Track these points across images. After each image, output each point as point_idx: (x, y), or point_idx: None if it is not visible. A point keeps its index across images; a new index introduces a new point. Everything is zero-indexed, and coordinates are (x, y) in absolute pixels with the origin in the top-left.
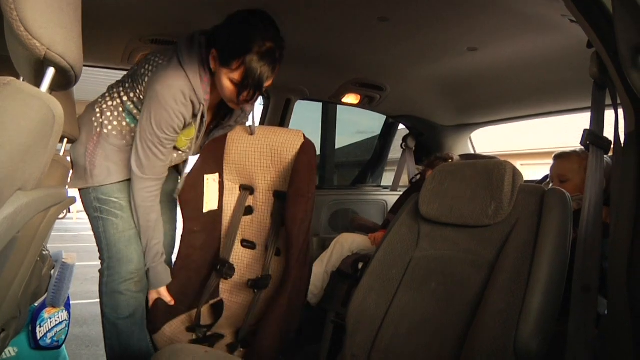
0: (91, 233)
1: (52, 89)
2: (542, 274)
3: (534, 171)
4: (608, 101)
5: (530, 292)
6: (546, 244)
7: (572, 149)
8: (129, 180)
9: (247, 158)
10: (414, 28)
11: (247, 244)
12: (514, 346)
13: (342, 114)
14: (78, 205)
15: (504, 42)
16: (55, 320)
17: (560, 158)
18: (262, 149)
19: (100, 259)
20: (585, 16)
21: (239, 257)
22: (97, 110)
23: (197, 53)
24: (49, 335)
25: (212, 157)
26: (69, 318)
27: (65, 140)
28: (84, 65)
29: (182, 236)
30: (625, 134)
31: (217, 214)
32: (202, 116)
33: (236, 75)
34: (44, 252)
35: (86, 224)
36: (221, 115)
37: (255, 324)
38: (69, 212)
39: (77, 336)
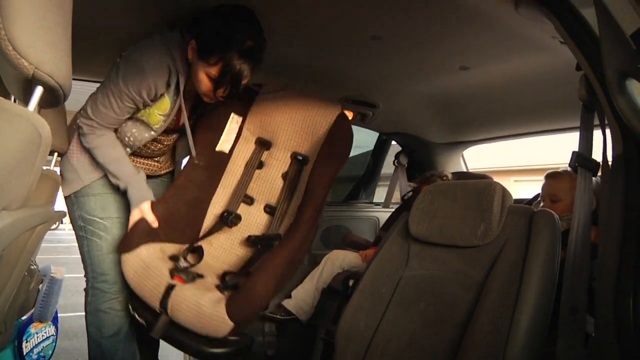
0: None
1: (41, 106)
2: (530, 295)
3: (528, 188)
4: (597, 122)
5: (518, 313)
6: (534, 266)
7: (564, 167)
8: (110, 194)
9: (277, 111)
10: (407, 46)
11: (246, 198)
12: None
13: None
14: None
15: (495, 62)
16: (42, 335)
17: (552, 178)
18: (295, 108)
19: (85, 277)
20: (573, 39)
21: (239, 209)
22: (78, 118)
23: (178, 35)
24: (36, 350)
25: (241, 101)
26: (57, 333)
27: (56, 154)
28: (78, 79)
29: (183, 167)
30: (613, 157)
31: (225, 158)
32: (177, 88)
33: (213, 71)
34: (32, 267)
35: None
36: (200, 112)
37: (240, 272)
38: (62, 223)
39: (66, 349)
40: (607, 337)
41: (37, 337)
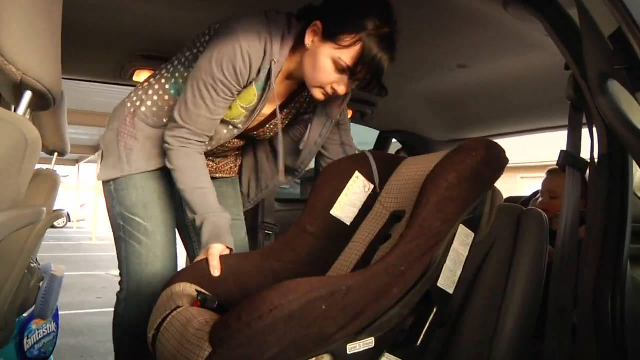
0: (91, 242)
1: (33, 109)
2: (517, 294)
3: (534, 185)
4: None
5: (504, 312)
6: (521, 265)
7: None
8: (154, 190)
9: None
10: (404, 44)
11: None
12: None
13: None
14: (78, 214)
15: (493, 60)
16: (43, 332)
17: (553, 174)
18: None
19: (120, 283)
20: (560, 39)
21: None
22: (132, 96)
23: (283, 18)
24: (37, 346)
25: (377, 168)
26: (57, 330)
27: (56, 153)
28: (81, 80)
29: (287, 232)
30: (599, 156)
31: (344, 229)
32: (268, 78)
33: (346, 55)
34: (32, 265)
35: (87, 233)
36: (293, 113)
37: None
38: (69, 220)
39: (72, 347)
40: (587, 335)
41: (38, 334)
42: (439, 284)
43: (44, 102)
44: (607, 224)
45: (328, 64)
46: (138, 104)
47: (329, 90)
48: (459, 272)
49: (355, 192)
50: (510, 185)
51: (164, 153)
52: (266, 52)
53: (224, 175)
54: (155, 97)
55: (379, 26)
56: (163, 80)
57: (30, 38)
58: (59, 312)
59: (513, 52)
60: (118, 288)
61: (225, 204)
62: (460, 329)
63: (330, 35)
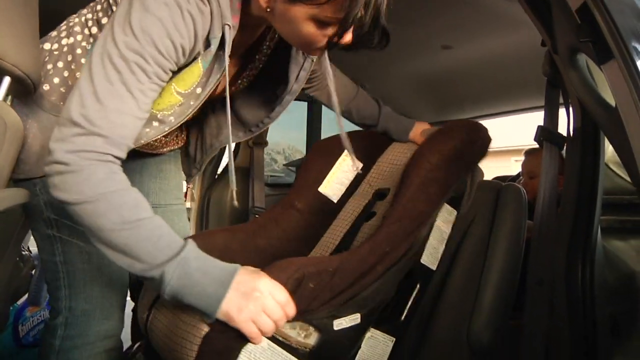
0: None
1: (15, 96)
2: (495, 268)
3: None
4: None
5: (482, 285)
6: (499, 240)
7: None
8: None
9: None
10: (388, 26)
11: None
12: (467, 338)
13: (328, 113)
14: None
15: (477, 40)
16: (38, 319)
17: (530, 154)
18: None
19: (50, 308)
20: (535, 15)
21: None
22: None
23: None
24: (32, 333)
25: (366, 148)
26: None
27: None
28: None
29: (274, 206)
30: (573, 129)
31: (331, 208)
32: (221, 49)
33: (328, 9)
34: (23, 253)
35: None
36: (247, 75)
37: None
38: None
39: None
40: (561, 308)
41: (33, 321)
42: (422, 261)
43: (24, 88)
44: (580, 195)
45: (310, 27)
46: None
47: (322, 47)
48: (441, 249)
49: (343, 170)
50: (504, 168)
51: None
52: (213, 14)
53: (173, 148)
54: (66, 73)
55: None
56: (78, 48)
57: (6, 25)
58: None
59: (497, 31)
60: None
61: (167, 185)
62: (441, 303)
63: None
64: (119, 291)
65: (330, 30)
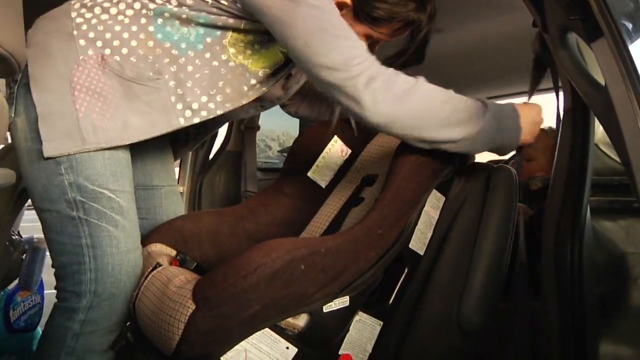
0: None
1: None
2: (485, 251)
3: None
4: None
5: (473, 268)
6: (490, 221)
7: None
8: (123, 155)
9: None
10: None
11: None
12: (457, 319)
13: None
14: None
15: (470, 23)
16: (29, 304)
17: None
18: None
19: (67, 290)
20: None
21: None
22: (80, 20)
23: None
24: (23, 318)
25: (355, 135)
26: (43, 301)
27: None
28: None
29: (263, 191)
30: (564, 110)
31: (319, 192)
32: None
33: (384, 30)
34: (13, 237)
35: None
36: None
37: None
38: None
39: None
40: (549, 285)
41: (24, 306)
42: (410, 246)
43: (7, 68)
44: (569, 176)
45: (358, 31)
46: (105, 45)
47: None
48: (429, 234)
49: (332, 156)
50: None
51: (150, 120)
52: None
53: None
54: (134, 43)
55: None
56: (143, 20)
57: None
58: (45, 290)
59: (490, 14)
60: None
61: (167, 167)
62: (431, 286)
63: (365, 17)
64: (139, 275)
65: (372, 47)
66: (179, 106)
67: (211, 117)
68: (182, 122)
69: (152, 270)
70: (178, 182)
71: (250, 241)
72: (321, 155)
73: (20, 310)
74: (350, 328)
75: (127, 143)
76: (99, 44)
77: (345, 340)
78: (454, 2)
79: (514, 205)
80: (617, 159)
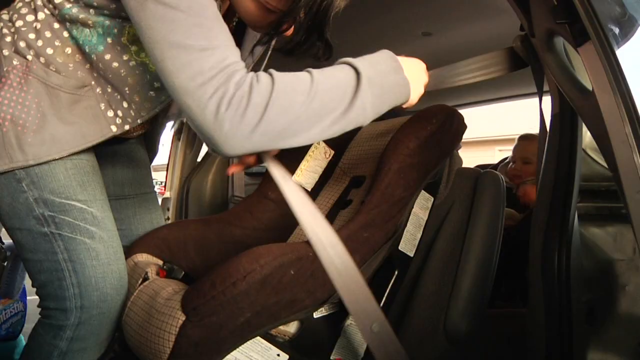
0: None
1: None
2: (472, 257)
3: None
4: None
5: (460, 275)
6: (477, 227)
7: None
8: (87, 160)
9: (380, 142)
10: (367, 13)
11: None
12: (444, 326)
13: None
14: None
15: (457, 27)
16: (11, 312)
17: (525, 140)
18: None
19: (51, 308)
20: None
21: None
22: (5, 31)
23: None
24: (4, 326)
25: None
26: (25, 309)
27: None
28: None
29: (248, 197)
30: (551, 115)
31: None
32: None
33: None
34: None
35: None
36: None
37: None
38: None
39: None
40: (536, 290)
41: (6, 314)
42: (400, 248)
43: None
44: (557, 181)
45: (251, 5)
46: (30, 51)
47: (267, 29)
48: (419, 235)
49: (316, 159)
50: (489, 158)
51: (81, 130)
52: None
53: (141, 132)
54: (50, 51)
55: None
56: (53, 22)
57: None
58: (27, 296)
59: (477, 18)
60: None
61: (139, 173)
62: (418, 290)
63: None
64: (125, 287)
65: (272, 16)
66: (110, 113)
67: (136, 124)
68: (114, 130)
69: (140, 284)
70: (164, 188)
71: (238, 247)
72: (305, 158)
73: (1, 318)
74: (341, 333)
75: (58, 157)
76: (24, 52)
77: (336, 346)
78: (442, 6)
79: (501, 211)
80: (605, 164)
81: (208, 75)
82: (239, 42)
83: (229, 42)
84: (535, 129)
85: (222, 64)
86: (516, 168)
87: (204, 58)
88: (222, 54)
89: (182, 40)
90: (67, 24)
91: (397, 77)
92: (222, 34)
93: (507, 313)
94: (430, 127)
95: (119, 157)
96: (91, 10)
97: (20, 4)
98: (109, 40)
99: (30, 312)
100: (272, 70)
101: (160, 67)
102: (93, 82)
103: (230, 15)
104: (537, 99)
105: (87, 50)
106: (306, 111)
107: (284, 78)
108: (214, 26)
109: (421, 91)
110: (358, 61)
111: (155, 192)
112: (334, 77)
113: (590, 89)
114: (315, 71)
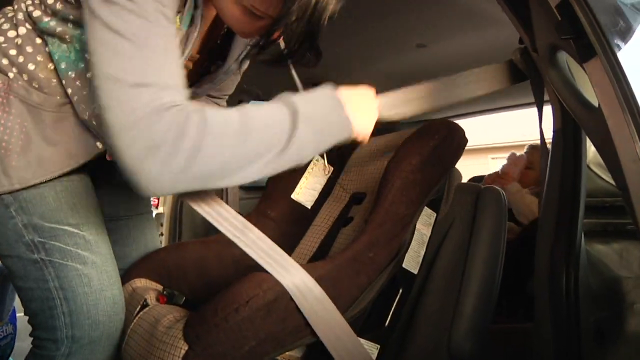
0: None
1: None
2: (475, 274)
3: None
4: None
5: (463, 293)
6: (479, 244)
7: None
8: (77, 181)
9: (379, 159)
10: (361, 24)
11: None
12: (448, 346)
13: None
14: None
15: (452, 38)
16: (0, 334)
17: (534, 148)
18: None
19: (42, 338)
20: (512, 12)
21: None
22: None
23: None
24: None
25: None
26: (15, 332)
27: None
28: None
29: (247, 216)
30: (554, 131)
31: (306, 213)
32: (192, 21)
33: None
34: None
35: None
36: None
37: None
38: None
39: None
40: (542, 307)
41: None
42: (404, 265)
43: None
44: (562, 198)
45: (236, 11)
46: (9, 74)
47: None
48: (422, 252)
49: (315, 176)
50: (482, 166)
51: (67, 152)
52: None
53: None
54: (32, 66)
55: None
56: (35, 37)
57: None
58: (17, 314)
59: (472, 29)
60: None
61: (134, 192)
62: (421, 309)
63: None
64: (121, 314)
65: (260, 23)
66: (94, 130)
67: None
68: (100, 147)
69: (139, 311)
70: (157, 206)
71: (239, 268)
72: (304, 176)
73: None
74: None
75: (45, 180)
76: (5, 69)
77: None
78: (436, 17)
79: (503, 229)
80: (609, 180)
81: (139, 114)
82: (227, 49)
83: (169, 77)
84: (528, 137)
85: (155, 102)
86: (521, 172)
87: (136, 95)
88: (156, 92)
89: (116, 73)
90: (46, 37)
91: (336, 115)
92: (164, 67)
93: (509, 329)
94: (433, 143)
95: (112, 177)
96: (69, 24)
97: (2, 19)
98: (87, 56)
99: (21, 330)
100: (206, 110)
101: (95, 97)
102: (76, 97)
103: (220, 22)
104: (531, 108)
105: (62, 67)
106: (239, 153)
107: (216, 118)
108: (157, 59)
109: (370, 123)
110: (296, 99)
111: (152, 211)
112: (268, 116)
113: (597, 104)
114: (250, 109)
